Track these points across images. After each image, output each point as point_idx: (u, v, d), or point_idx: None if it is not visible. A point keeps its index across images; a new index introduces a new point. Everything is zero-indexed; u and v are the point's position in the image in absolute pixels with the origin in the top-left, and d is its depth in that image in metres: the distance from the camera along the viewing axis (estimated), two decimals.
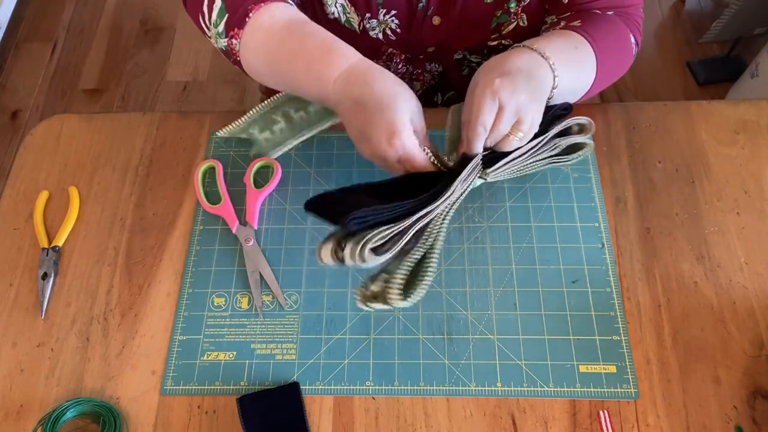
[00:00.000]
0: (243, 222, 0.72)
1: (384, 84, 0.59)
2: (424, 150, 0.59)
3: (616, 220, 0.71)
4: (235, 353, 0.66)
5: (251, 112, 0.72)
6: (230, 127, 0.72)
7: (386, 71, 0.60)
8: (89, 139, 0.80)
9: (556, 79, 0.62)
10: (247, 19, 0.62)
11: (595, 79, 0.68)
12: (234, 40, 0.64)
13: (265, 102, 0.71)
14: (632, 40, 0.73)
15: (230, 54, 0.65)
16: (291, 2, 0.68)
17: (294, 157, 0.77)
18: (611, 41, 0.70)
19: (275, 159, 0.74)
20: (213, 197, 0.74)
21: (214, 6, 0.65)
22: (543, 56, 0.62)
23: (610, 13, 0.72)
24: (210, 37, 0.67)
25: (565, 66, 0.63)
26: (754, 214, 0.71)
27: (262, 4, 0.62)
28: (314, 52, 0.61)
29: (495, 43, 0.78)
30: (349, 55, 0.61)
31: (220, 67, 1.91)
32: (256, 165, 0.75)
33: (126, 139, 0.80)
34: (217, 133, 0.73)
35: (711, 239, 0.70)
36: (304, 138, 0.69)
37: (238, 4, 0.63)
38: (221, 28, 0.64)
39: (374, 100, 0.57)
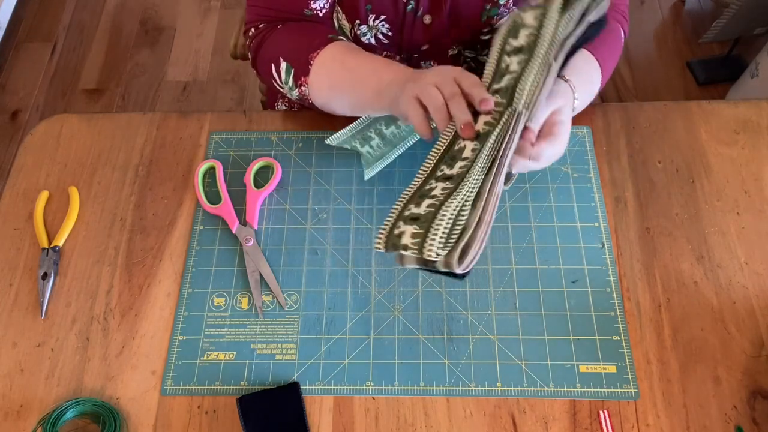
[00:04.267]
0: (243, 222, 0.72)
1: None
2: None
3: (616, 220, 0.71)
4: (235, 353, 0.66)
5: (351, 125, 0.75)
6: (337, 135, 0.75)
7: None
8: (89, 139, 0.80)
9: (576, 102, 0.65)
10: (309, 67, 0.71)
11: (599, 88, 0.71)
12: (303, 87, 0.73)
13: (361, 118, 0.75)
14: (621, 33, 0.75)
15: (303, 99, 0.75)
16: (342, 37, 0.74)
17: (294, 157, 0.77)
18: (610, 50, 0.72)
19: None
20: (213, 197, 0.74)
21: (281, 68, 0.74)
22: (573, 90, 0.64)
23: None
24: (285, 93, 0.77)
25: (584, 94, 0.67)
26: (754, 214, 0.71)
27: (319, 50, 0.71)
28: (367, 75, 0.69)
29: (488, 37, 0.78)
30: (394, 69, 0.68)
31: (220, 67, 1.91)
32: (256, 165, 0.75)
33: (126, 139, 0.80)
34: (326, 141, 0.76)
35: (711, 239, 0.70)
36: (398, 153, 0.73)
37: (299, 57, 0.72)
38: (290, 82, 0.74)
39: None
